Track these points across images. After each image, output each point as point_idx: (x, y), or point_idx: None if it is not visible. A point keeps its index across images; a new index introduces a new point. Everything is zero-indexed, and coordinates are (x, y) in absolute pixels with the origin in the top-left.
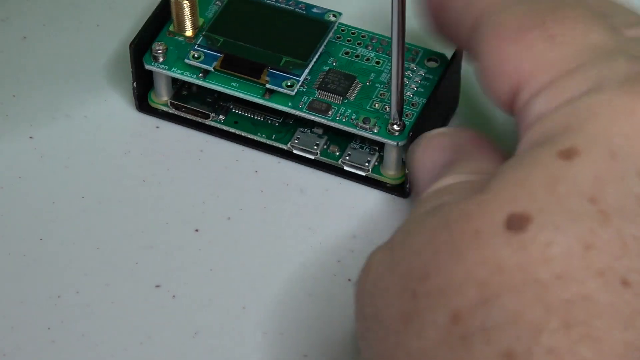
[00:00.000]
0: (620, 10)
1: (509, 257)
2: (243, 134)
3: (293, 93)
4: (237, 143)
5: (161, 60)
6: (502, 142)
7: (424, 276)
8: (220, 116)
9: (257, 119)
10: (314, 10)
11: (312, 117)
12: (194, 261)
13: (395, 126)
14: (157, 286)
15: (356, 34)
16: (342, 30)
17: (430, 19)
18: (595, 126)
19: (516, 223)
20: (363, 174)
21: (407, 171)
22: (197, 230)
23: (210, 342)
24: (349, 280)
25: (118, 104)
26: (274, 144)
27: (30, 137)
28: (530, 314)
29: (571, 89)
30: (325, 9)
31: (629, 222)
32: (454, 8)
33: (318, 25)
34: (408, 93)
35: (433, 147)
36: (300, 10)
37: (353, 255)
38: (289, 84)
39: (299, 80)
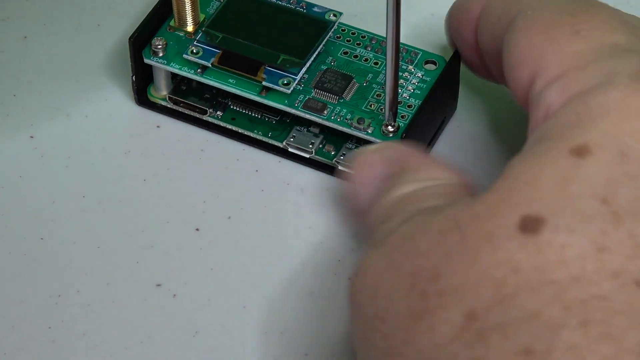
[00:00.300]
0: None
1: (525, 260)
2: (240, 130)
3: (289, 91)
4: (235, 140)
5: (160, 54)
6: (501, 147)
7: (435, 276)
8: (218, 112)
9: (254, 116)
10: (315, 9)
11: (307, 116)
12: (195, 260)
13: (389, 127)
14: (158, 285)
15: (356, 34)
16: (343, 30)
17: (467, 33)
18: (606, 124)
19: (530, 225)
20: None
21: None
22: (197, 230)
23: (211, 342)
24: (350, 279)
25: (118, 104)
26: (270, 142)
27: (31, 137)
28: (549, 312)
29: (582, 81)
30: (326, 8)
31: None
32: (493, 14)
33: (318, 24)
34: (404, 95)
35: (370, 162)
36: (300, 9)
37: (353, 254)
38: (285, 82)
39: (296, 79)
